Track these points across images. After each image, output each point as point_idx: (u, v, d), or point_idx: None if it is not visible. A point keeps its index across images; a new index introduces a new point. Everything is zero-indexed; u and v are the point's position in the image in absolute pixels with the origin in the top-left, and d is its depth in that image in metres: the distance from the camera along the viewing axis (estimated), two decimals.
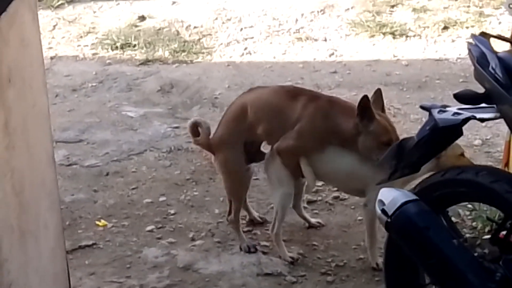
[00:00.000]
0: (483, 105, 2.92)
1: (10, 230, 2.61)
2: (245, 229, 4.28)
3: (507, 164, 4.04)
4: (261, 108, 4.03)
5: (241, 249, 4.07)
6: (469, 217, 4.28)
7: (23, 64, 2.73)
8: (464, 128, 2.95)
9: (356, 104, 3.79)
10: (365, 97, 3.76)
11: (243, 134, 4.06)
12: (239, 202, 4.14)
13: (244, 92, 4.30)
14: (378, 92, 3.91)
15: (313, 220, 4.30)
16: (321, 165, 3.95)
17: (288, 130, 3.92)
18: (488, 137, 5.14)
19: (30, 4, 2.82)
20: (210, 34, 7.07)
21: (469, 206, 4.29)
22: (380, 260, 3.77)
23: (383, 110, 3.90)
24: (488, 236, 3.04)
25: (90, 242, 4.22)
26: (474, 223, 4.21)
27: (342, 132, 3.85)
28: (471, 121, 2.90)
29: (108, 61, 6.68)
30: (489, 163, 4.66)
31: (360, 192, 3.98)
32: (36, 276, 2.86)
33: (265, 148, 4.19)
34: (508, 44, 3.30)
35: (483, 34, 3.02)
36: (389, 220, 2.93)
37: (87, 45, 6.98)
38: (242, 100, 4.14)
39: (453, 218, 3.34)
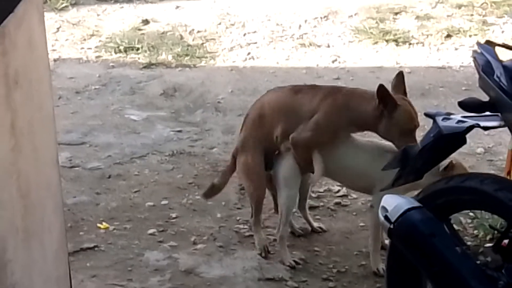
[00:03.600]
0: (487, 113, 2.93)
1: (15, 232, 2.61)
2: (247, 234, 4.28)
3: (509, 173, 4.05)
4: (277, 108, 4.02)
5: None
6: (471, 225, 4.29)
7: (30, 66, 2.73)
8: (467, 136, 2.96)
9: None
10: (381, 87, 3.73)
11: (263, 138, 4.04)
12: (259, 205, 4.11)
13: (262, 95, 4.29)
14: (400, 76, 3.88)
15: (315, 224, 4.30)
16: (333, 160, 3.94)
17: (300, 122, 3.92)
18: (490, 146, 5.15)
19: (37, 6, 2.82)
20: (213, 39, 7.08)
21: (471, 214, 4.29)
22: (382, 266, 3.77)
23: (405, 93, 3.86)
24: (491, 244, 3.04)
25: (92, 245, 4.22)
26: (475, 231, 4.22)
27: (363, 121, 3.84)
28: (474, 129, 2.91)
29: (111, 64, 6.69)
30: (492, 172, 4.66)
31: (366, 190, 3.99)
32: (40, 278, 2.86)
33: None
34: None
35: (488, 42, 3.03)
36: (392, 226, 2.93)
37: (91, 48, 6.99)
38: (259, 103, 4.15)
39: (454, 226, 3.34)
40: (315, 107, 3.90)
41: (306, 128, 3.89)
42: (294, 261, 3.99)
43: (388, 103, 3.73)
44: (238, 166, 4.12)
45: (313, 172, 3.98)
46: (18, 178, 2.61)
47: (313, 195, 4.57)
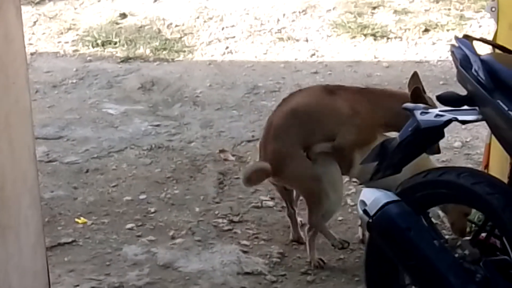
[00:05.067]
0: (465, 107, 2.94)
1: None
2: (225, 228, 4.28)
3: (486, 167, 4.07)
4: (311, 112, 3.96)
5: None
6: None
7: (7, 60, 2.71)
8: (445, 130, 2.97)
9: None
10: (417, 88, 3.82)
11: (300, 140, 3.95)
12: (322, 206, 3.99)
13: (285, 99, 4.12)
14: (416, 76, 3.96)
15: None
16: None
17: (340, 126, 3.91)
18: (468, 140, 5.17)
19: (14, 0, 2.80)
20: (191, 33, 7.06)
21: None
22: None
23: (424, 91, 3.93)
24: (468, 238, 3.06)
25: (70, 239, 4.20)
26: None
27: (396, 121, 3.77)
28: (452, 123, 2.92)
29: (88, 58, 6.65)
30: (469, 166, 4.68)
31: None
32: (16, 272, 2.85)
33: None
34: (490, 47, 3.33)
35: (466, 36, 3.04)
36: (370, 220, 2.94)
37: (68, 42, 6.95)
38: (288, 108, 4.01)
39: (432, 220, 3.35)
40: (352, 110, 3.92)
41: (349, 132, 3.90)
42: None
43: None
44: (288, 179, 4.00)
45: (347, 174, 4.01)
46: None
47: None
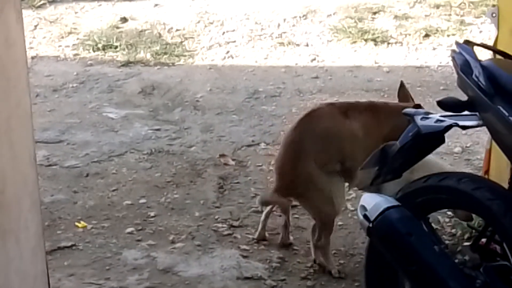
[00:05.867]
0: (465, 112, 2.94)
1: None
2: (225, 233, 4.28)
3: (487, 172, 4.07)
4: (330, 136, 3.94)
5: (330, 273, 3.94)
6: (449, 224, 4.31)
7: (8, 64, 2.71)
8: (445, 135, 2.97)
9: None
10: (418, 105, 3.85)
11: (318, 163, 3.91)
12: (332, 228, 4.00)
13: (300, 120, 4.02)
14: (403, 86, 4.13)
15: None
16: None
17: (353, 151, 3.88)
18: (468, 145, 5.17)
19: (15, 4, 2.80)
20: (192, 37, 7.07)
21: (449, 213, 4.31)
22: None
23: (412, 99, 4.08)
24: (469, 243, 3.06)
25: (70, 243, 4.19)
26: (453, 230, 4.24)
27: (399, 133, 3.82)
28: (452, 129, 2.92)
29: (89, 62, 6.66)
30: (469, 171, 4.68)
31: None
32: (16, 276, 2.84)
33: None
34: (491, 52, 3.33)
35: (467, 42, 3.04)
36: (371, 225, 2.94)
37: (69, 46, 6.96)
38: (303, 130, 3.97)
39: (432, 225, 3.35)
40: (363, 131, 3.91)
41: (360, 154, 3.73)
42: (339, 270, 3.94)
43: None
44: (310, 201, 3.97)
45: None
46: None
47: None
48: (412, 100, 4.06)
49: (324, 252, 3.97)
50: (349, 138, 3.93)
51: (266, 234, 4.21)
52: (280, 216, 4.35)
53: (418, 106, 3.86)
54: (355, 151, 3.88)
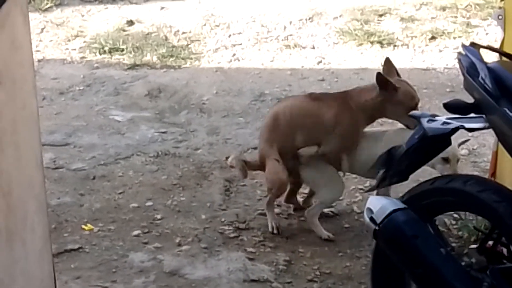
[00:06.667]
0: (472, 115, 2.94)
1: None
2: (231, 235, 4.28)
3: (493, 174, 4.06)
4: (296, 115, 4.25)
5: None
6: (455, 226, 4.30)
7: (14, 66, 2.72)
8: (452, 137, 2.97)
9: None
10: (379, 74, 4.10)
11: (281, 143, 4.26)
12: (280, 192, 4.34)
13: (276, 104, 4.50)
14: (388, 61, 4.26)
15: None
16: (359, 157, 4.22)
17: (325, 135, 4.19)
18: (474, 147, 5.16)
19: (21, 6, 2.81)
20: (198, 40, 7.07)
21: (455, 215, 4.30)
22: None
23: (398, 75, 4.22)
24: (475, 246, 3.05)
25: (76, 246, 4.20)
26: (460, 233, 4.23)
27: (373, 112, 4.20)
28: (458, 131, 2.92)
29: (96, 65, 6.67)
30: (475, 173, 4.68)
31: None
32: (22, 278, 2.85)
33: None
34: (497, 54, 3.32)
35: (473, 44, 3.04)
36: (377, 228, 2.94)
37: (75, 49, 6.97)
38: (274, 111, 4.37)
39: (439, 227, 3.35)
40: (333, 116, 4.18)
41: (334, 141, 4.19)
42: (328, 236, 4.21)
43: (388, 88, 4.11)
44: (267, 170, 4.29)
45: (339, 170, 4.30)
46: (0, 177, 2.60)
47: (299, 197, 4.56)
48: (398, 75, 4.22)
49: (268, 208, 4.31)
50: (315, 120, 4.20)
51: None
52: (287, 218, 4.36)
53: (379, 77, 4.07)
54: (327, 138, 4.17)
